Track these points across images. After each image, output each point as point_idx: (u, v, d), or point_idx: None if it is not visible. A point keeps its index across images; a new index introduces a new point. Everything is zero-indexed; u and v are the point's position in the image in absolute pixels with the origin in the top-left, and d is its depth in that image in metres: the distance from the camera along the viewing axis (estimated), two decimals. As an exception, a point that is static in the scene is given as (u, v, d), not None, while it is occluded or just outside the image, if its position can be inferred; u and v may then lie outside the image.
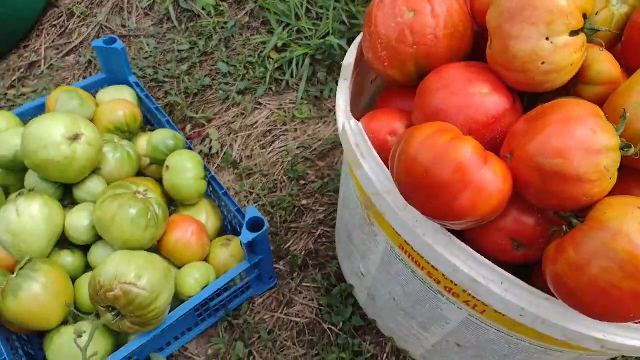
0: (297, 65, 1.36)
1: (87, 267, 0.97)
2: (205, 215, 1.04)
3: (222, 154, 1.26)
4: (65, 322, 0.88)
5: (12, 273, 0.90)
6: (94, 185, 0.97)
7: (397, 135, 0.67)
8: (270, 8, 1.40)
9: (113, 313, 0.82)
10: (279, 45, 1.38)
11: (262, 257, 0.95)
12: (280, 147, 1.27)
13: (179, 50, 1.43)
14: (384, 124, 0.67)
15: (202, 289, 0.92)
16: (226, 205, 1.06)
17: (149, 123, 1.23)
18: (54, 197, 0.93)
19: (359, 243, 0.85)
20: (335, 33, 1.34)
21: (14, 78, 1.41)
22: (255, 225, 0.90)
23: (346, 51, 1.33)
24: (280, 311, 1.04)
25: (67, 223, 0.92)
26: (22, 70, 1.42)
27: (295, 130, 1.30)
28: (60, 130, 0.88)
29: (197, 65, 1.40)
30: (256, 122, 1.31)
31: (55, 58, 1.44)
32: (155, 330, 0.86)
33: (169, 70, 1.39)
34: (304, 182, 1.22)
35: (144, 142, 1.11)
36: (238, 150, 1.27)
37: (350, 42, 1.34)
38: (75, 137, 0.89)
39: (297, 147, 1.26)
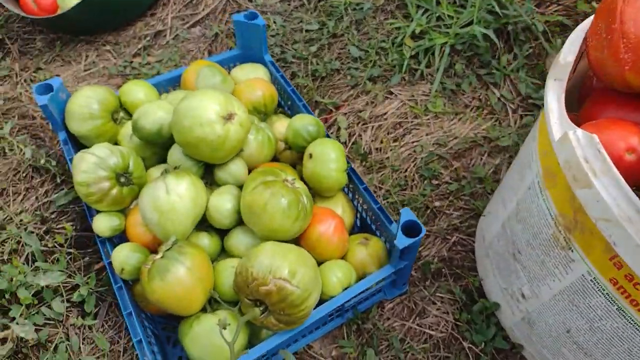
0: (433, 54, 1.27)
1: (221, 251, 0.93)
2: (342, 209, 0.98)
3: (351, 143, 1.19)
4: (203, 309, 0.84)
5: (152, 252, 0.87)
6: (236, 167, 0.92)
7: (636, 152, 0.57)
8: (410, -9, 1.31)
9: (260, 308, 0.77)
10: (417, 32, 1.28)
11: (407, 262, 0.88)
12: (413, 142, 1.19)
13: (307, 30, 1.36)
14: (618, 138, 0.57)
15: (343, 289, 0.86)
16: (363, 202, 0.99)
17: (279, 105, 1.18)
18: (198, 176, 0.89)
19: (531, 263, 0.76)
20: (480, 22, 1.23)
21: (139, 46, 1.39)
22: (410, 229, 0.82)
23: (492, 42, 1.22)
24: (411, 320, 0.97)
25: (211, 204, 0.88)
26: (148, 38, 1.40)
27: (428, 124, 1.21)
28: (215, 108, 0.83)
29: (325, 47, 1.34)
30: (386, 113, 1.23)
31: (180, 29, 1.41)
32: (297, 329, 0.81)
33: (296, 50, 1.33)
34: (437, 182, 1.13)
35: (279, 125, 1.05)
36: (367, 141, 1.19)
37: (497, 33, 1.23)
38: (229, 117, 0.85)
39: (431, 144, 1.17)
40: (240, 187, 0.93)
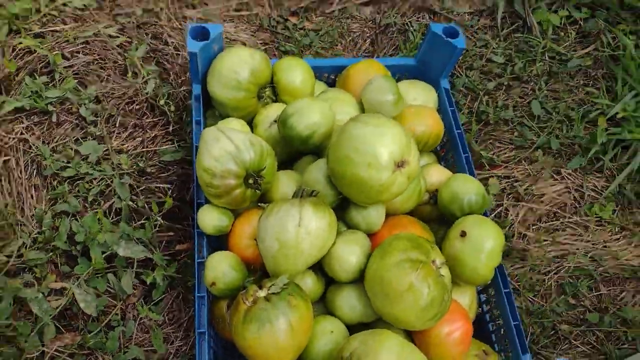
0: (626, 149, 1.05)
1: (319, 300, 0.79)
2: (469, 301, 0.81)
3: (493, 215, 1.01)
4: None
5: (250, 270, 0.73)
6: (376, 214, 0.77)
7: None
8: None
9: (355, 412, 0.63)
10: (618, 116, 1.06)
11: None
12: (564, 244, 0.99)
13: (488, 60, 1.16)
14: None
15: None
16: (494, 305, 0.82)
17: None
18: (331, 211, 0.74)
19: None
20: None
21: (301, 5, 1.22)
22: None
23: None
24: None
25: (334, 252, 0.73)
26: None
27: (587, 228, 1.01)
28: (392, 151, 0.67)
29: (504, 88, 1.13)
30: (544, 195, 1.04)
31: (352, 2, 1.23)
32: None
33: (469, 78, 1.13)
34: (574, 302, 0.95)
35: (435, 173, 0.87)
36: (514, 220, 1.00)
37: None
38: (401, 164, 0.68)
39: (585, 255, 0.98)
40: (369, 235, 0.78)
